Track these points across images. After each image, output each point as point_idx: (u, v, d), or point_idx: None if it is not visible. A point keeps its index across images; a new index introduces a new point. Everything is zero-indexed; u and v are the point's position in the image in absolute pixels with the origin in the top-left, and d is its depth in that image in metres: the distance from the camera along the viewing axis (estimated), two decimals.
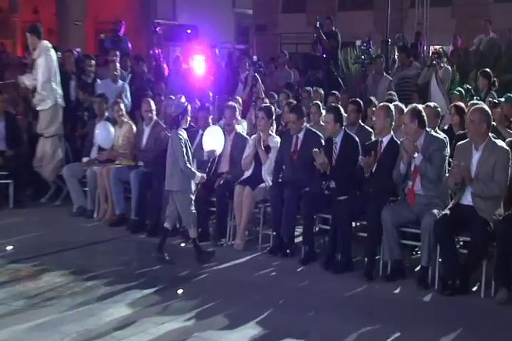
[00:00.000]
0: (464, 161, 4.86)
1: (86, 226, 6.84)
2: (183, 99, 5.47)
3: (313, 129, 5.97)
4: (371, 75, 9.15)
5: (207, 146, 5.78)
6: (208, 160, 5.90)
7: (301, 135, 5.83)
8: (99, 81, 8.52)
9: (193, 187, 5.49)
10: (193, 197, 5.48)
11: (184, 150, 5.37)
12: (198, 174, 5.47)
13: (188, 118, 5.52)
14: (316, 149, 5.57)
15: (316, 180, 5.68)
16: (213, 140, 5.79)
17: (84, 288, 4.88)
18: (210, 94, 8.07)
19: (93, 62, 8.62)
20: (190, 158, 5.46)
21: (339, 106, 5.97)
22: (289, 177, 5.87)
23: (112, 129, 7.16)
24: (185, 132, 5.49)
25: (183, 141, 5.38)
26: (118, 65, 8.49)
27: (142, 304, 4.60)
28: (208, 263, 5.47)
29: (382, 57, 9.20)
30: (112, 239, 6.30)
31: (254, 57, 9.97)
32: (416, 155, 5.04)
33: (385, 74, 8.93)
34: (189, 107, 5.51)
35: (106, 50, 10.67)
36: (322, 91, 8.30)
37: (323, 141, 5.81)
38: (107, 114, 7.48)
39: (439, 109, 5.97)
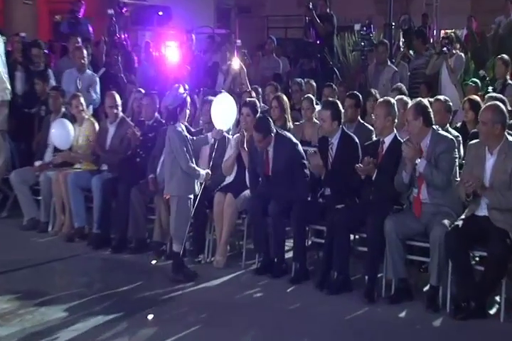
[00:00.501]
0: (475, 167, 4.90)
1: (39, 241, 6.83)
2: (181, 90, 5.50)
3: (282, 132, 5.92)
4: (372, 65, 9.22)
5: (216, 122, 5.75)
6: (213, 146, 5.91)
7: (270, 148, 5.86)
8: (50, 71, 8.50)
9: (197, 189, 5.54)
10: (191, 206, 5.52)
11: (185, 147, 5.42)
12: (202, 172, 5.53)
13: (188, 112, 5.57)
14: (312, 151, 5.62)
15: (305, 187, 5.72)
16: (223, 114, 5.73)
17: (37, 315, 4.86)
18: (187, 86, 8.08)
19: (41, 51, 8.59)
20: (192, 156, 5.52)
21: (337, 101, 6.01)
22: (267, 192, 5.89)
23: (70, 127, 7.16)
24: (184, 127, 5.54)
25: (182, 137, 5.42)
26: (85, 52, 8.51)
27: (106, 332, 4.60)
28: (180, 283, 5.50)
29: (386, 44, 9.24)
30: (70, 257, 6.30)
31: (238, 41, 10.01)
32: (418, 161, 5.08)
33: (389, 63, 8.97)
34: (188, 99, 5.55)
35: (62, 34, 10.67)
36: (314, 84, 8.36)
37: (300, 148, 5.84)
38: (63, 109, 7.49)
39: (451, 103, 6.04)
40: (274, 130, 5.84)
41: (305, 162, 5.80)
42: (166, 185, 5.58)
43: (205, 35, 11.72)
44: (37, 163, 7.38)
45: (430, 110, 5.25)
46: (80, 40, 9.02)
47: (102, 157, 7.02)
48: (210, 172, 5.65)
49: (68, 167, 7.19)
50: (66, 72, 8.46)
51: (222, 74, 9.71)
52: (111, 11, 10.29)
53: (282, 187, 5.74)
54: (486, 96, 6.55)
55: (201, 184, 5.56)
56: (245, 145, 6.09)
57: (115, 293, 5.33)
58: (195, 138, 5.69)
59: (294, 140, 5.94)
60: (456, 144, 5.32)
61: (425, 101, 5.36)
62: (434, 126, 5.25)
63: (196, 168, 5.51)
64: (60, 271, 6.02)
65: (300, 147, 5.90)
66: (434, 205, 5.12)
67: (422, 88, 8.26)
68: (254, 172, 6.04)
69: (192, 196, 5.53)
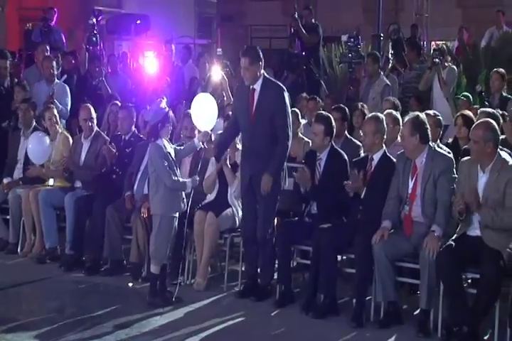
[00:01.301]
0: (468, 185, 4.97)
1: (7, 263, 6.80)
2: (163, 104, 5.58)
3: (272, 79, 5.84)
4: (365, 78, 9.25)
5: (199, 124, 5.77)
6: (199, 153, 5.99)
7: (257, 86, 5.73)
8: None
9: (183, 206, 5.59)
10: (176, 224, 5.57)
11: (166, 163, 5.49)
12: (188, 181, 5.60)
13: (170, 128, 5.64)
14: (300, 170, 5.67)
15: (285, 141, 5.63)
16: (204, 113, 5.74)
17: None
18: (165, 99, 8.13)
19: (7, 61, 8.61)
20: (177, 170, 5.58)
21: (330, 115, 6.04)
22: (247, 144, 5.80)
23: (48, 141, 7.12)
24: (166, 143, 5.61)
25: (163, 155, 5.50)
26: (54, 61, 8.54)
27: None
28: (159, 307, 5.49)
29: (375, 55, 9.27)
30: (40, 280, 6.27)
31: (219, 50, 10.07)
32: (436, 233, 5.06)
33: (381, 76, 8.99)
34: (171, 113, 5.63)
35: (34, 43, 10.69)
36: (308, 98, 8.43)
37: (286, 96, 5.68)
38: (34, 123, 7.48)
39: (441, 118, 6.14)
40: (263, 72, 5.71)
41: (289, 109, 5.71)
42: (150, 204, 5.65)
43: (183, 45, 11.78)
44: (5, 180, 7.35)
45: (428, 126, 5.30)
46: (48, 48, 9.04)
47: (75, 173, 7.01)
48: (197, 178, 5.73)
49: (39, 184, 7.18)
50: (36, 84, 8.47)
51: (201, 87, 9.77)
52: (92, 21, 10.35)
53: (261, 139, 5.61)
54: (478, 112, 6.64)
55: (188, 195, 5.61)
56: (227, 162, 6.13)
57: (89, 318, 5.32)
58: (182, 147, 5.74)
59: (280, 84, 5.82)
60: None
61: (422, 115, 5.39)
62: (430, 143, 5.31)
63: (181, 179, 5.58)
64: (29, 294, 5.99)
65: (286, 93, 5.74)
66: (426, 225, 5.16)
67: (412, 102, 8.36)
68: (233, 127, 5.91)
69: (177, 214, 5.58)
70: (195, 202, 6.27)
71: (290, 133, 5.70)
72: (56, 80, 8.53)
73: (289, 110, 5.77)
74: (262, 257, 5.78)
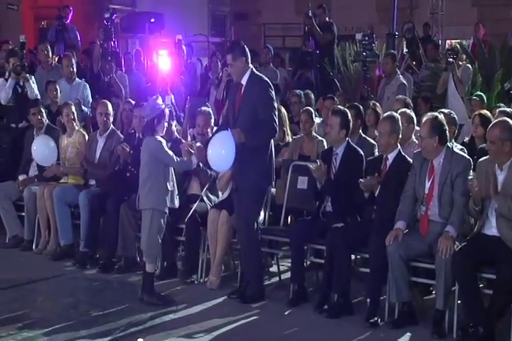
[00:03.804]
0: (486, 183, 4.91)
1: (22, 260, 6.82)
2: (159, 101, 5.57)
3: (259, 74, 5.74)
4: (383, 78, 9.20)
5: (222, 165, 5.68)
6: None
7: (244, 81, 5.67)
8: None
9: (176, 203, 5.58)
10: (164, 224, 5.54)
11: (170, 153, 5.47)
12: (193, 159, 5.57)
13: (166, 124, 5.62)
14: (315, 165, 5.64)
15: (270, 129, 5.56)
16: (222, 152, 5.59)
17: (20, 340, 4.84)
18: (172, 96, 8.10)
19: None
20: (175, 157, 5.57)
21: (347, 110, 5.95)
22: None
23: (52, 144, 7.12)
24: (163, 140, 5.59)
25: (164, 146, 5.48)
26: (73, 60, 8.60)
27: None
28: (153, 305, 5.46)
29: (392, 55, 9.15)
30: (55, 277, 6.29)
31: None
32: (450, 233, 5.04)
33: (398, 75, 8.86)
34: (167, 110, 5.61)
35: (49, 42, 10.73)
36: (312, 96, 8.39)
37: (270, 90, 5.57)
38: (46, 123, 7.48)
39: (455, 117, 6.10)
40: (251, 66, 5.64)
41: (274, 103, 5.61)
42: (139, 200, 5.58)
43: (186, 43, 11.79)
44: (21, 178, 7.39)
45: (446, 127, 5.25)
46: (49, 47, 9.10)
47: (89, 171, 7.03)
48: (196, 161, 5.66)
49: (54, 181, 7.19)
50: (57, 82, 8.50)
51: (213, 88, 9.76)
52: (107, 14, 10.33)
53: (246, 126, 5.50)
54: (496, 111, 6.61)
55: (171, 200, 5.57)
56: None
57: (102, 315, 5.33)
58: (179, 159, 5.63)
59: (265, 78, 5.72)
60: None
61: (441, 116, 5.34)
62: (448, 144, 5.26)
63: (184, 158, 5.55)
64: (43, 291, 6.00)
65: (271, 87, 5.63)
66: (442, 224, 5.13)
67: (420, 102, 8.31)
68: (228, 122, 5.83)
69: (167, 210, 5.55)
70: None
71: (276, 126, 5.57)
72: (77, 79, 8.57)
73: (274, 104, 5.65)
74: (245, 265, 5.72)
